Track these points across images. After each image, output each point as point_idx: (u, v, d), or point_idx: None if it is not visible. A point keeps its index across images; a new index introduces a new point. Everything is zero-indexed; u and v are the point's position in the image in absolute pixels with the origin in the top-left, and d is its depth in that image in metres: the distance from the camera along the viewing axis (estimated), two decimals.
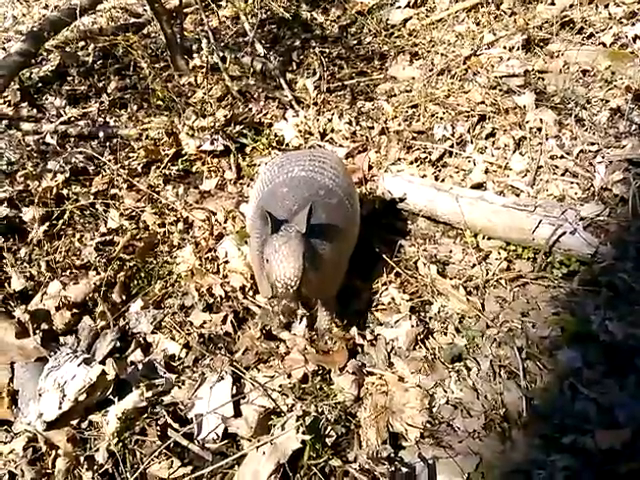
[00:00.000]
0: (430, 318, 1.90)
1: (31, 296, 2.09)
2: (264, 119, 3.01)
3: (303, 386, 1.64)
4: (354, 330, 1.79)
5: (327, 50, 3.70)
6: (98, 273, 2.09)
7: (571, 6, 3.62)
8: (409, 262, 2.12)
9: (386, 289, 1.95)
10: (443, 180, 2.65)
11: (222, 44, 3.72)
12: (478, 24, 3.84)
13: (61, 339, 1.92)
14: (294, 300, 1.62)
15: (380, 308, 1.92)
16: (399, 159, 2.79)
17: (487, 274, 2.06)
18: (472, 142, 2.85)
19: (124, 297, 2.05)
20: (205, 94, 3.31)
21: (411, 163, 2.68)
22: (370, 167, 2.74)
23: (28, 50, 3.43)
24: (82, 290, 2.01)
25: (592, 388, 1.65)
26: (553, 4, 3.71)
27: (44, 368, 1.59)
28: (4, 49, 3.82)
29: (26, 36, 3.52)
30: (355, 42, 3.88)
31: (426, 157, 2.74)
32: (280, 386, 1.63)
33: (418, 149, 2.83)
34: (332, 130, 2.95)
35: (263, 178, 1.89)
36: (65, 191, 2.53)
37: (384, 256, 2.15)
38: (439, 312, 1.90)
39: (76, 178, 2.63)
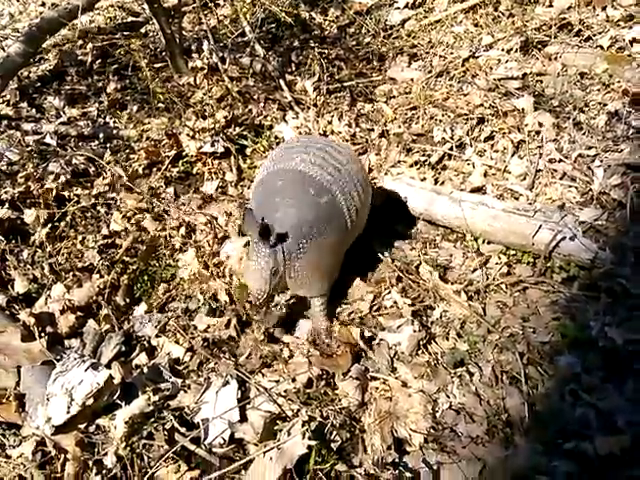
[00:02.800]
0: (432, 323, 1.93)
1: (35, 299, 2.10)
2: (264, 121, 3.02)
3: (308, 391, 1.66)
4: (357, 334, 1.81)
5: (326, 51, 3.70)
6: (101, 276, 2.10)
7: (569, 8, 3.64)
8: (410, 266, 2.15)
9: (388, 293, 1.98)
10: (443, 183, 2.68)
11: (221, 44, 3.72)
12: (476, 25, 3.85)
13: (66, 342, 1.93)
14: (264, 311, 1.91)
15: (383, 312, 1.94)
16: (399, 161, 2.81)
17: (488, 279, 2.08)
18: (471, 145, 2.88)
19: (128, 300, 2.06)
20: (205, 95, 3.31)
21: (411, 166, 2.70)
22: (370, 169, 2.76)
23: (26, 50, 3.41)
24: (86, 293, 2.02)
25: (592, 394, 1.68)
26: (551, 6, 3.73)
27: (52, 373, 1.61)
28: (2, 49, 3.79)
29: (24, 36, 3.50)
30: (354, 43, 3.89)
31: (426, 160, 2.76)
32: (285, 391, 1.65)
33: (418, 152, 2.85)
34: (332, 132, 2.96)
35: (266, 163, 1.99)
36: (66, 193, 2.52)
37: (385, 259, 2.18)
38: (441, 317, 1.93)
39: (77, 180, 2.63)
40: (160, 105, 3.25)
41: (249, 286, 1.69)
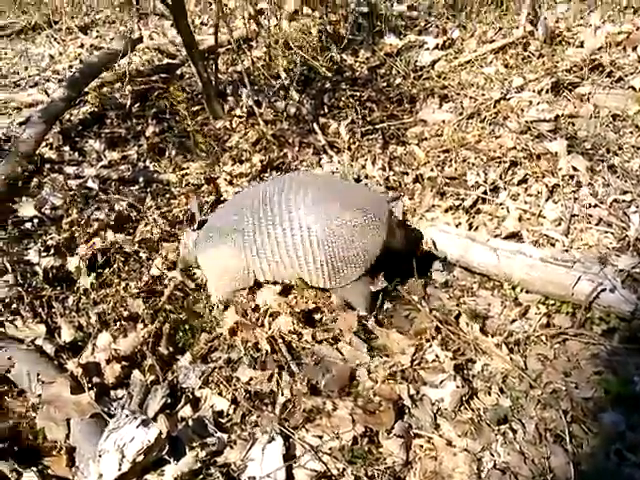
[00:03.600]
0: (473, 376, 1.93)
1: (80, 347, 2.16)
2: (300, 165, 3.08)
3: (352, 448, 1.67)
4: (400, 390, 1.82)
5: (358, 93, 3.78)
6: (145, 325, 2.15)
7: (600, 49, 3.67)
8: (449, 316, 2.16)
9: (430, 346, 1.99)
10: (477, 228, 2.69)
11: (256, 88, 3.82)
12: (506, 66, 3.91)
13: (112, 393, 1.97)
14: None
15: (424, 366, 1.95)
16: (433, 206, 2.84)
17: (528, 330, 2.08)
18: (505, 189, 2.89)
19: (171, 349, 2.10)
20: (241, 138, 3.40)
21: (446, 211, 2.72)
22: (404, 214, 2.78)
23: (69, 95, 3.56)
24: (131, 343, 2.07)
25: (637, 453, 1.66)
26: (582, 47, 3.77)
27: (105, 429, 1.65)
28: (46, 93, 3.96)
29: (67, 81, 3.65)
30: (385, 84, 3.96)
31: (460, 204, 2.78)
32: (330, 448, 1.66)
33: (451, 195, 2.88)
34: (366, 176, 3.01)
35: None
36: (110, 238, 2.60)
37: (423, 309, 2.19)
38: (482, 370, 1.93)
39: (120, 225, 2.71)
40: (198, 149, 3.35)
41: None
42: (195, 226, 2.35)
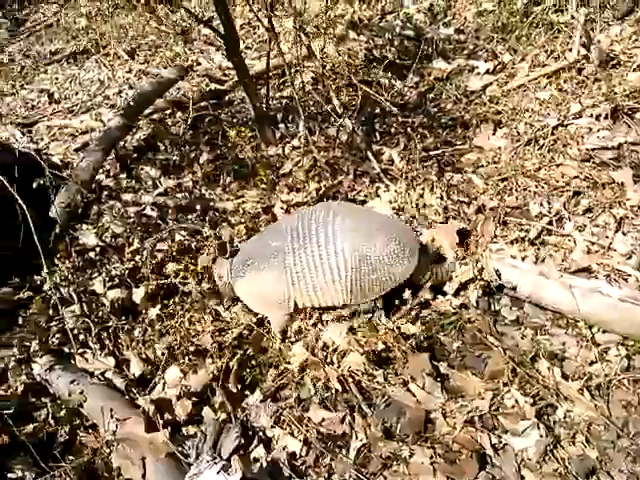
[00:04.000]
0: (555, 423, 1.86)
1: (149, 380, 2.16)
2: (358, 195, 3.06)
3: None
4: (482, 439, 1.76)
5: (409, 119, 3.75)
6: (214, 361, 2.14)
7: None
8: (525, 357, 2.09)
9: (508, 391, 1.92)
10: (543, 260, 2.62)
11: (305, 114, 3.82)
12: (560, 90, 3.83)
13: (184, 429, 1.96)
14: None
15: (503, 412, 1.88)
16: (495, 236, 2.78)
17: (609, 373, 2.00)
18: (570, 219, 2.82)
19: (239, 386, 2.08)
20: (294, 166, 3.40)
21: (511, 243, 2.65)
22: (467, 245, 2.73)
23: (125, 123, 3.62)
24: (201, 380, 2.05)
25: None
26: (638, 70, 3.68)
27: (185, 476, 1.63)
28: (101, 120, 4.03)
29: (122, 109, 3.71)
30: (436, 109, 3.93)
31: (525, 236, 2.72)
32: None
33: (514, 226, 2.82)
34: (424, 205, 2.97)
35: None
36: (173, 269, 2.61)
37: (497, 349, 2.13)
38: (565, 417, 1.86)
39: (181, 255, 2.72)
40: (257, 178, 3.36)
41: None
42: (227, 255, 2.35)
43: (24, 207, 2.11)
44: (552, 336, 2.21)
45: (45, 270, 2.23)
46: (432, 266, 2.42)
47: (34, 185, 2.54)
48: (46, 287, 2.45)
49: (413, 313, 2.30)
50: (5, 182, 2.12)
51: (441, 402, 1.94)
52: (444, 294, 2.40)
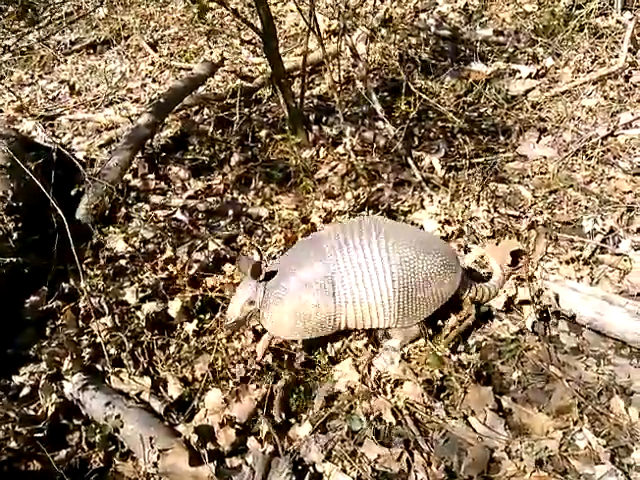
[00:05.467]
0: (629, 466, 1.72)
1: (187, 403, 2.03)
2: (402, 206, 2.91)
3: None
4: None
5: (449, 124, 3.59)
6: (257, 387, 2.00)
7: None
8: (592, 391, 1.95)
9: (580, 430, 1.78)
10: (598, 282, 2.48)
11: (337, 115, 3.67)
12: (606, 98, 3.67)
13: (227, 461, 1.83)
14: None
15: (573, 453, 1.74)
16: (546, 253, 2.63)
17: None
18: (624, 237, 2.67)
19: (285, 414, 1.95)
20: (330, 171, 3.26)
21: (567, 263, 2.51)
22: (516, 262, 2.58)
23: (154, 121, 3.48)
24: (245, 408, 1.92)
25: None
26: None
27: None
28: (128, 116, 3.89)
29: (152, 107, 3.57)
30: (475, 114, 3.77)
31: (580, 255, 2.57)
32: None
33: (567, 242, 2.67)
34: (470, 218, 2.82)
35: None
36: (210, 281, 2.48)
37: (561, 381, 1.99)
38: None
39: (216, 266, 2.59)
40: (285, 180, 3.22)
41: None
42: (262, 277, 2.08)
43: (61, 214, 1.97)
44: (616, 366, 2.07)
45: (81, 280, 2.10)
46: (475, 284, 2.29)
47: (72, 192, 2.40)
48: (82, 298, 2.32)
49: (468, 340, 2.16)
50: (43, 188, 1.98)
51: (505, 440, 1.80)
52: (500, 319, 2.26)
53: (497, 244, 2.62)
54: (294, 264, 2.10)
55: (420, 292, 2.05)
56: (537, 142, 3.45)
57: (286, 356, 2.15)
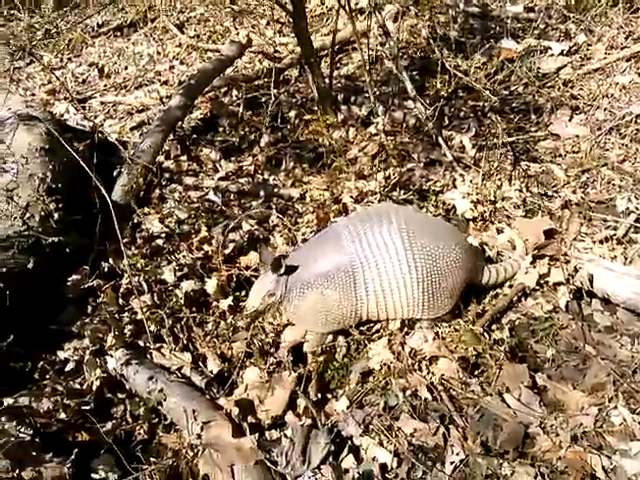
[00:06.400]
0: None
1: (226, 378, 2.09)
2: (433, 186, 2.91)
3: None
4: (592, 461, 1.65)
5: (480, 103, 3.56)
6: (294, 370, 2.05)
7: None
8: (627, 369, 1.96)
9: (615, 407, 1.80)
10: (631, 261, 2.46)
11: (366, 95, 3.66)
12: None
13: (267, 434, 1.89)
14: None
15: (608, 429, 1.76)
16: (580, 233, 2.62)
17: None
18: None
19: (322, 390, 2.00)
20: (360, 151, 3.27)
21: (601, 242, 2.49)
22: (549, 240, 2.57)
23: (185, 103, 3.51)
24: (283, 396, 1.97)
25: None
26: None
27: None
28: (162, 101, 3.93)
29: (183, 88, 3.60)
30: (506, 92, 3.73)
31: (614, 234, 2.55)
32: None
33: (600, 222, 2.65)
34: (503, 198, 2.81)
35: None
36: (243, 259, 2.53)
37: (595, 358, 2.00)
38: None
39: (250, 245, 2.64)
40: (316, 161, 3.24)
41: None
42: (282, 271, 2.09)
43: (105, 194, 2.03)
44: None
45: (124, 258, 2.16)
46: (489, 266, 2.30)
47: (114, 173, 2.46)
48: (124, 277, 2.39)
49: (502, 319, 2.18)
50: (87, 169, 2.04)
51: (540, 416, 1.83)
52: (534, 297, 2.27)
53: (529, 221, 2.60)
54: (314, 258, 2.12)
55: (444, 281, 2.05)
56: (569, 120, 3.41)
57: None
